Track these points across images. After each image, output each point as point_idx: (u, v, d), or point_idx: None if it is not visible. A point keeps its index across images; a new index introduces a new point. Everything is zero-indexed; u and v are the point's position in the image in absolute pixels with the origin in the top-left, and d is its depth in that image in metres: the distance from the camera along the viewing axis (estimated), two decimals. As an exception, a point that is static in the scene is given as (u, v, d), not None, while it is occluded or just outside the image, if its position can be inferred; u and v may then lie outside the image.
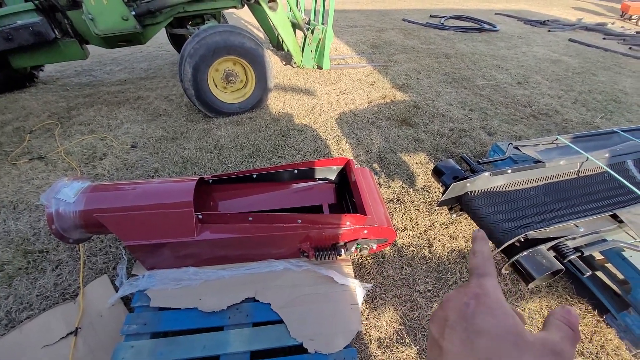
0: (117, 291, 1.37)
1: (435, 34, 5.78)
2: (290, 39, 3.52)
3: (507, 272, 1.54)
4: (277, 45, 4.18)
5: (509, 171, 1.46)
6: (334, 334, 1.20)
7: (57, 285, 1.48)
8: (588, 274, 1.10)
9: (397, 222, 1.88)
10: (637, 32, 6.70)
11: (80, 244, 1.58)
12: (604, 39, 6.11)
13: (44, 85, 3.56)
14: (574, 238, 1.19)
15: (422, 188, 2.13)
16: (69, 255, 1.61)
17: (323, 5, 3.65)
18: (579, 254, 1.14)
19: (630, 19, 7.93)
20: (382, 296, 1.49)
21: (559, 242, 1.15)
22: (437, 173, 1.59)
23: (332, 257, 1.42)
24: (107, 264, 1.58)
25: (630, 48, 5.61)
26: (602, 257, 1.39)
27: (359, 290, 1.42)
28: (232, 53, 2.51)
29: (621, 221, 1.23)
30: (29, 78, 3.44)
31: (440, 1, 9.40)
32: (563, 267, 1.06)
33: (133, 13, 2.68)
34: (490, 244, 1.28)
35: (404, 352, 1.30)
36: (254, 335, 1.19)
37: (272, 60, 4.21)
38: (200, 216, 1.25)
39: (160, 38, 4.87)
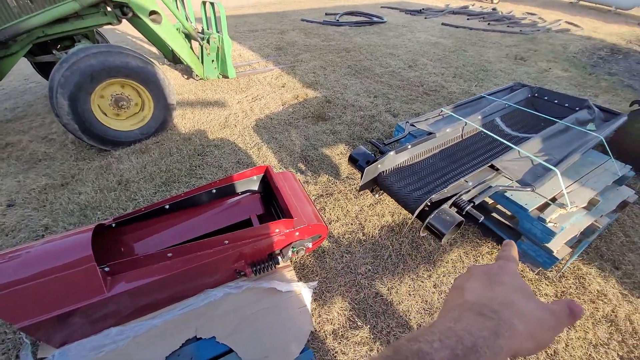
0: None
1: (333, 30, 6.11)
2: (185, 51, 3.28)
3: (425, 234, 1.74)
4: (174, 59, 3.87)
5: (409, 147, 1.64)
6: (287, 343, 1.19)
7: None
8: (481, 219, 1.31)
9: (330, 214, 1.95)
10: (493, 9, 8.21)
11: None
12: (468, 19, 7.31)
13: None
14: (468, 191, 1.41)
15: (347, 177, 2.24)
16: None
17: (213, 13, 3.50)
18: (473, 204, 1.35)
19: (486, -1, 9.64)
20: (329, 289, 1.53)
21: (457, 198, 1.34)
22: (353, 161, 1.69)
23: (271, 268, 1.40)
24: (7, 354, 1.27)
25: (488, 24, 6.84)
26: (493, 201, 1.68)
27: (305, 291, 1.43)
28: (115, 75, 2.22)
29: (498, 169, 1.50)
30: None
31: (332, -1, 9.94)
32: (463, 219, 1.25)
33: (-24, 46, 2.16)
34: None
35: (357, 335, 1.36)
36: (203, 376, 1.10)
37: (170, 75, 3.90)
38: (107, 268, 1.09)
39: (24, 68, 4.07)
